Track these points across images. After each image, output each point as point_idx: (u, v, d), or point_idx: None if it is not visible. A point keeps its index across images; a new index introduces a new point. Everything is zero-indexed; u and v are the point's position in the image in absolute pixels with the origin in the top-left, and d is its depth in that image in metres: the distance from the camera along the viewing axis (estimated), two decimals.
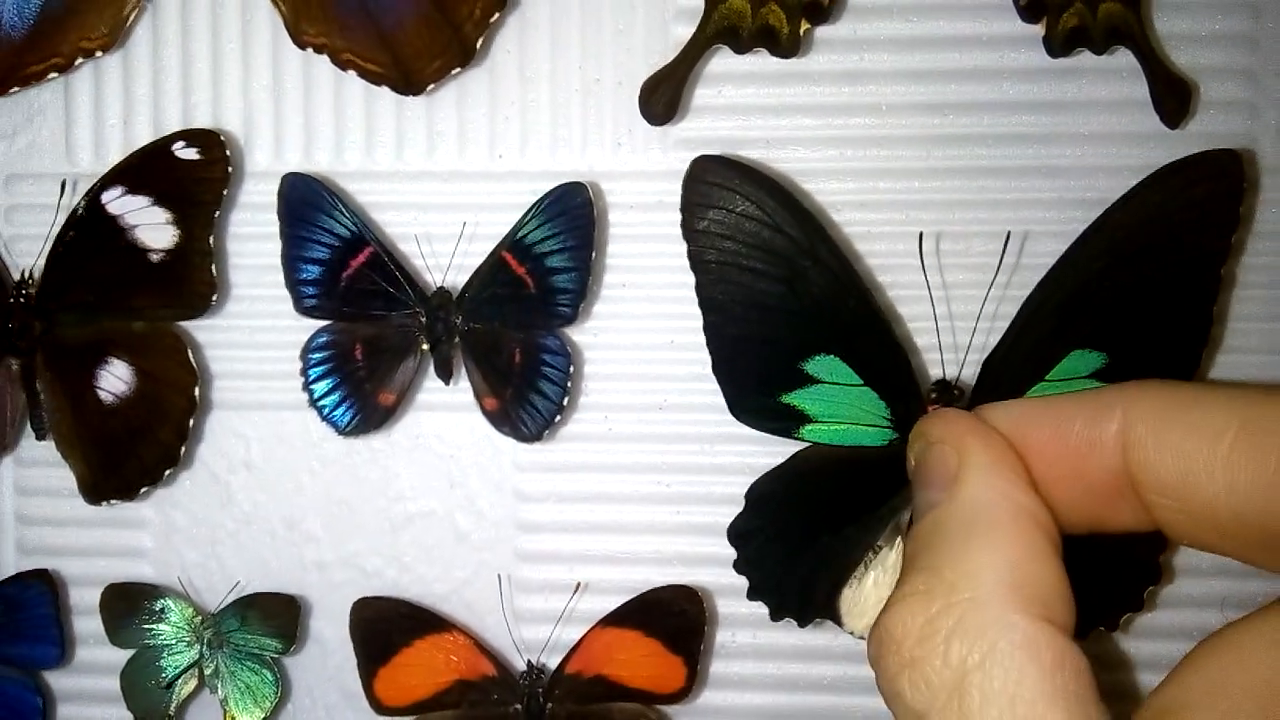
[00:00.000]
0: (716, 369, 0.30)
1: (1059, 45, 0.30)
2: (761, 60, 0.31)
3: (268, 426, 0.34)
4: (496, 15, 0.30)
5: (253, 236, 0.33)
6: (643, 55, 0.32)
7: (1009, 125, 0.32)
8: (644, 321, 0.33)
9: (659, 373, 0.33)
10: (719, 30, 0.30)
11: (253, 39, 0.33)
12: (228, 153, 0.31)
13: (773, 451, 0.31)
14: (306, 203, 0.31)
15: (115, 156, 0.33)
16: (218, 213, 0.32)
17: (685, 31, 0.31)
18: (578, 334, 0.33)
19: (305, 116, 0.33)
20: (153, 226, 0.31)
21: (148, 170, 0.31)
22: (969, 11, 0.32)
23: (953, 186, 0.32)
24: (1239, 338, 0.32)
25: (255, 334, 0.33)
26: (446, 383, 0.32)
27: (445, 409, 0.33)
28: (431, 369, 0.32)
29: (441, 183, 0.33)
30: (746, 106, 0.33)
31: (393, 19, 0.30)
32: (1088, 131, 0.32)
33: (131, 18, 0.31)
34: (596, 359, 0.33)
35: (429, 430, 0.34)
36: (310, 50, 0.31)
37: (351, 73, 0.31)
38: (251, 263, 0.33)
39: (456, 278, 0.32)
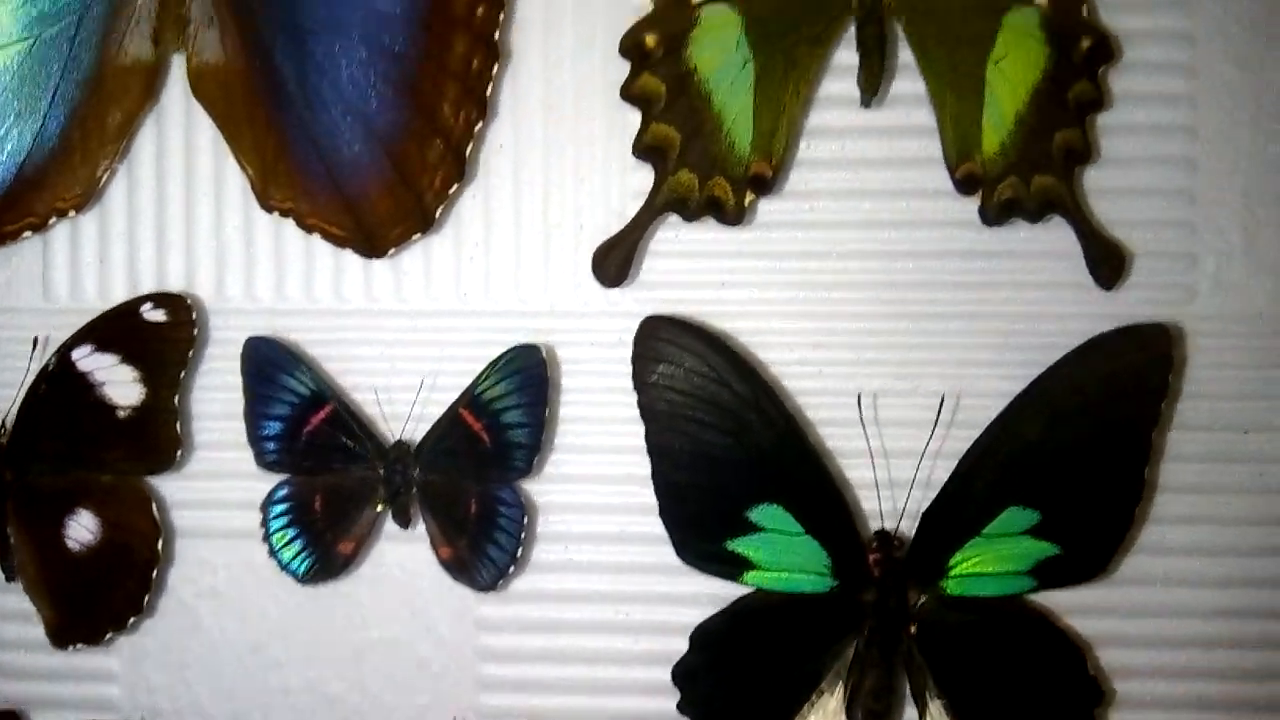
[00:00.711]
0: (664, 514, 0.31)
1: (994, 216, 0.31)
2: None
3: (235, 554, 0.35)
4: (455, 186, 0.32)
5: (223, 387, 0.34)
6: (602, 200, 0.34)
7: (950, 299, 0.33)
8: (602, 455, 0.34)
9: (617, 504, 0.34)
10: (668, 201, 0.32)
11: (224, 201, 0.34)
12: (194, 315, 0.32)
13: (729, 583, 0.32)
14: (269, 364, 0.32)
15: (91, 295, 0.34)
16: (183, 372, 0.33)
17: (642, 179, 0.33)
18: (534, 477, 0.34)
19: (276, 261, 0.35)
20: (120, 384, 0.32)
21: (116, 330, 0.32)
22: (911, 193, 0.33)
23: (893, 344, 0.33)
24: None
25: (218, 480, 0.34)
26: (404, 528, 0.33)
27: (407, 540, 0.34)
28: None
29: (409, 319, 0.34)
30: (699, 261, 0.34)
31: (357, 186, 0.32)
32: (1025, 296, 0.33)
33: (104, 179, 0.33)
34: (555, 490, 0.34)
35: (391, 560, 0.35)
36: (277, 214, 0.32)
37: (316, 235, 0.32)
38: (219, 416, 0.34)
39: (416, 428, 0.33)
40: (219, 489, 0.34)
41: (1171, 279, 0.33)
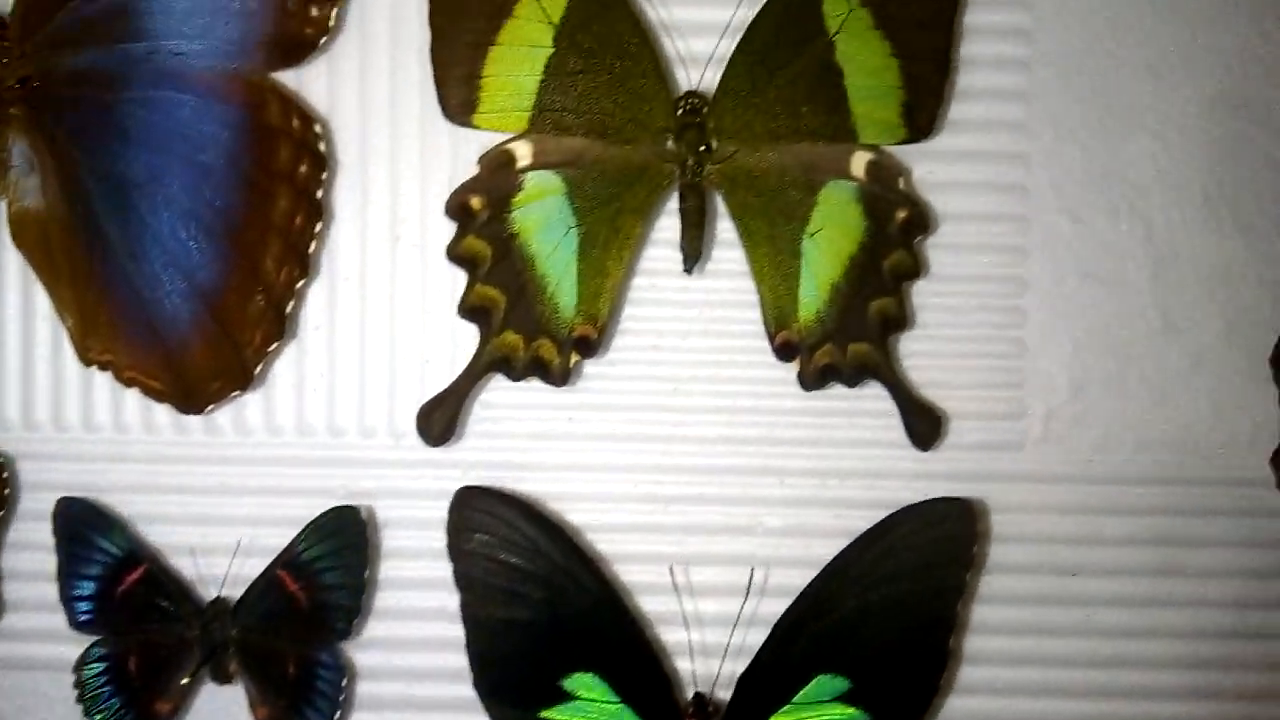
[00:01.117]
0: (477, 685, 0.31)
1: (811, 382, 0.32)
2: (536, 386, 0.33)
3: (51, 716, 0.34)
4: (276, 344, 0.32)
5: (34, 546, 0.33)
6: (422, 357, 0.34)
7: (767, 464, 0.34)
8: (424, 620, 0.33)
9: (438, 669, 0.33)
10: (493, 361, 0.32)
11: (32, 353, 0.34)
12: (5, 474, 0.32)
13: None
14: (81, 524, 0.31)
15: None
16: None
17: (467, 338, 0.32)
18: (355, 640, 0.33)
19: (82, 412, 0.34)
20: None
21: None
22: (732, 360, 0.34)
23: (710, 509, 0.34)
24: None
25: (30, 642, 0.33)
26: (223, 684, 0.32)
27: (227, 698, 0.33)
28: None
29: (225, 468, 0.34)
30: (523, 422, 0.34)
31: (177, 339, 0.31)
32: (843, 457, 0.34)
33: None
34: (376, 653, 0.34)
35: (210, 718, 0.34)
36: (95, 367, 0.32)
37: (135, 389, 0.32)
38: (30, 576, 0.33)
39: (235, 586, 0.33)
40: (32, 650, 0.33)
41: (998, 433, 0.34)
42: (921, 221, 0.32)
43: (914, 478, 0.33)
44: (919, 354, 0.34)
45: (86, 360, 0.32)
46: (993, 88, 0.34)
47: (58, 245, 0.31)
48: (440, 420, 0.32)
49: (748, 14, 0.32)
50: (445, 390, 0.32)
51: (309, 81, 0.33)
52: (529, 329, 0.32)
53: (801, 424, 0.34)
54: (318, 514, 0.32)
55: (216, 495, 0.34)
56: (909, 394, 0.33)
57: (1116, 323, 0.34)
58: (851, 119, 0.31)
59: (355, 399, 0.34)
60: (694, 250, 0.32)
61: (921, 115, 0.32)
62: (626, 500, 0.34)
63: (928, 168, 0.33)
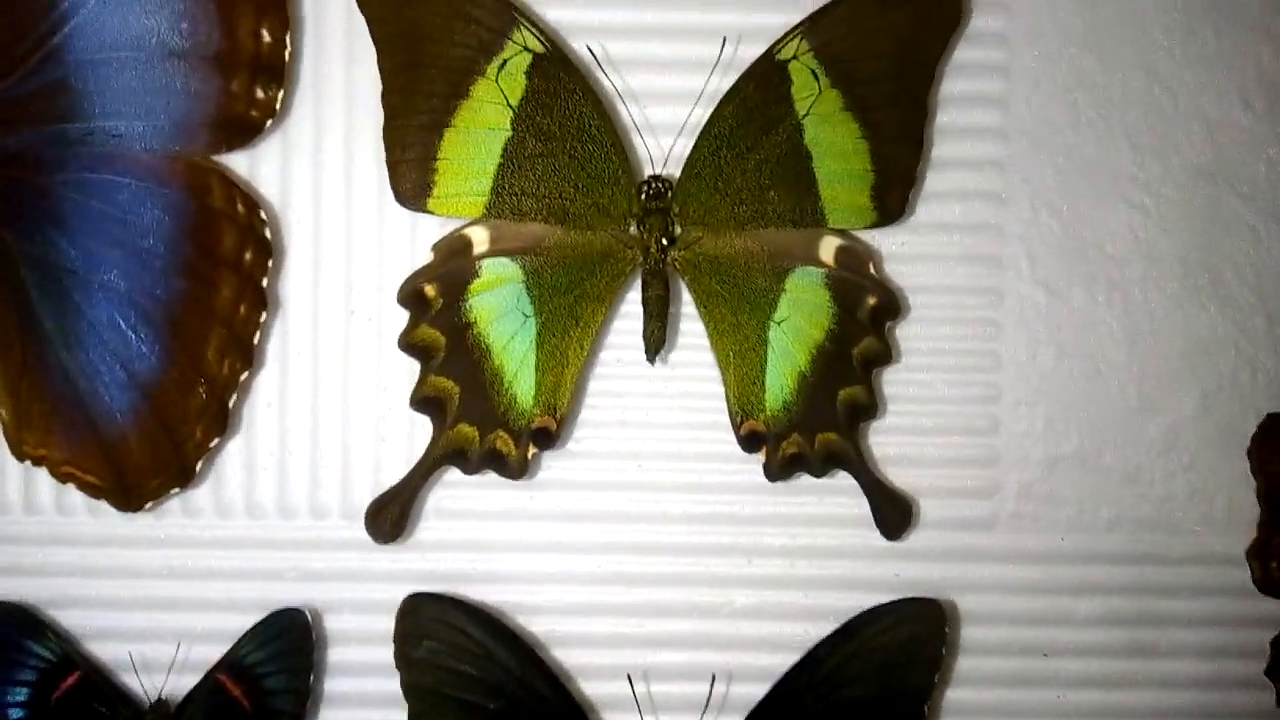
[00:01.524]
0: None
1: (778, 471, 0.31)
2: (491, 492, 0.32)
3: None
4: (217, 440, 0.30)
5: None
6: (374, 452, 0.32)
7: (730, 565, 0.33)
8: None
9: None
10: (446, 453, 0.31)
11: None
12: None
13: None
14: (12, 628, 0.30)
15: None
16: None
17: (420, 430, 0.31)
18: None
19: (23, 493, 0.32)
20: None
21: None
22: (695, 453, 0.33)
23: (664, 622, 0.33)
24: None
25: None
26: None
27: None
28: None
29: (168, 568, 0.32)
30: (477, 519, 0.33)
31: (115, 433, 0.30)
32: (809, 551, 0.33)
33: None
34: None
35: None
36: (29, 462, 0.30)
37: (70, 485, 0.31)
38: None
39: (177, 687, 0.31)
40: None
41: (970, 510, 0.33)
42: (892, 307, 0.31)
43: (883, 556, 0.33)
44: (888, 429, 0.33)
45: (20, 455, 0.30)
46: (966, 157, 0.33)
47: None
48: (391, 517, 0.31)
49: (714, 97, 0.31)
50: (396, 486, 0.31)
51: (261, 163, 0.32)
52: (484, 421, 0.31)
53: (769, 502, 0.33)
54: (266, 600, 0.31)
55: (163, 579, 0.32)
56: (878, 484, 0.32)
57: (1091, 398, 0.33)
58: (820, 203, 0.30)
59: (307, 479, 0.33)
60: (656, 341, 0.31)
61: (893, 198, 0.31)
62: (589, 581, 0.33)
63: (900, 239, 0.33)
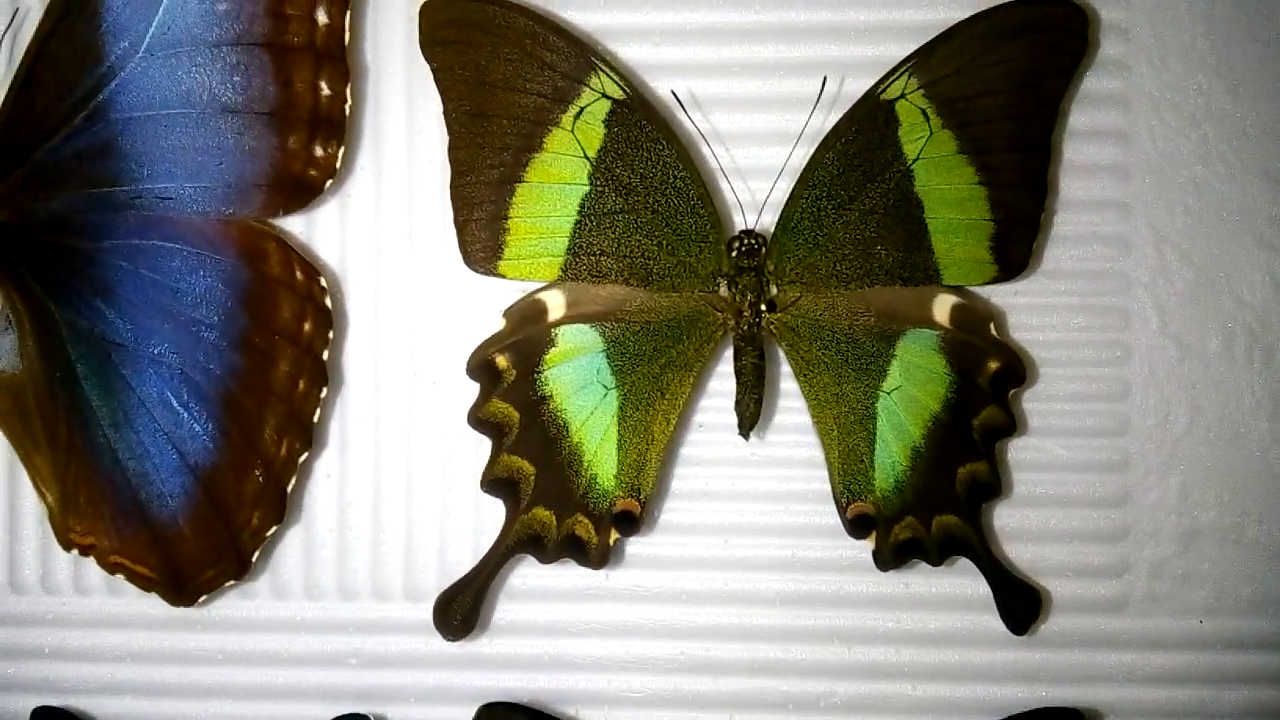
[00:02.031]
0: None
1: (890, 560, 0.28)
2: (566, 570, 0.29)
3: None
4: (274, 528, 0.28)
5: None
6: (439, 540, 0.30)
7: (843, 654, 0.30)
8: None
9: None
10: (521, 540, 0.28)
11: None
12: None
13: None
14: None
15: None
16: None
17: (493, 517, 0.29)
18: None
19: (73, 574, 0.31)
20: None
21: None
22: (796, 530, 0.30)
23: (756, 715, 0.30)
24: None
25: None
26: None
27: None
28: None
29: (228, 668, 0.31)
30: (554, 607, 0.30)
31: (168, 519, 0.28)
32: (928, 647, 0.30)
33: None
34: None
35: None
36: (76, 552, 0.28)
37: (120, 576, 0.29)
38: None
39: None
40: None
41: (1098, 590, 0.30)
42: (1017, 373, 0.28)
43: (1001, 643, 0.30)
44: (1003, 502, 0.30)
45: (67, 544, 0.28)
46: (1084, 198, 0.30)
47: (35, 412, 0.28)
48: (460, 610, 0.28)
49: (813, 140, 0.28)
50: (466, 577, 0.29)
51: (319, 226, 0.30)
52: (562, 504, 0.28)
53: (872, 582, 0.30)
54: (326, 687, 0.29)
55: (217, 665, 0.30)
56: (1004, 573, 0.29)
57: (1230, 464, 0.30)
58: (934, 258, 0.27)
59: (368, 558, 0.30)
60: (751, 415, 0.28)
61: (1014, 250, 0.28)
62: (672, 669, 0.30)
63: (1012, 290, 0.29)
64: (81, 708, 0.31)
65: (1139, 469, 0.30)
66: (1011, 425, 0.28)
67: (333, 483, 0.30)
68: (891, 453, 0.28)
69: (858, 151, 0.27)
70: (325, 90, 0.27)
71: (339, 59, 0.27)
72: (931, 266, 0.27)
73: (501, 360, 0.28)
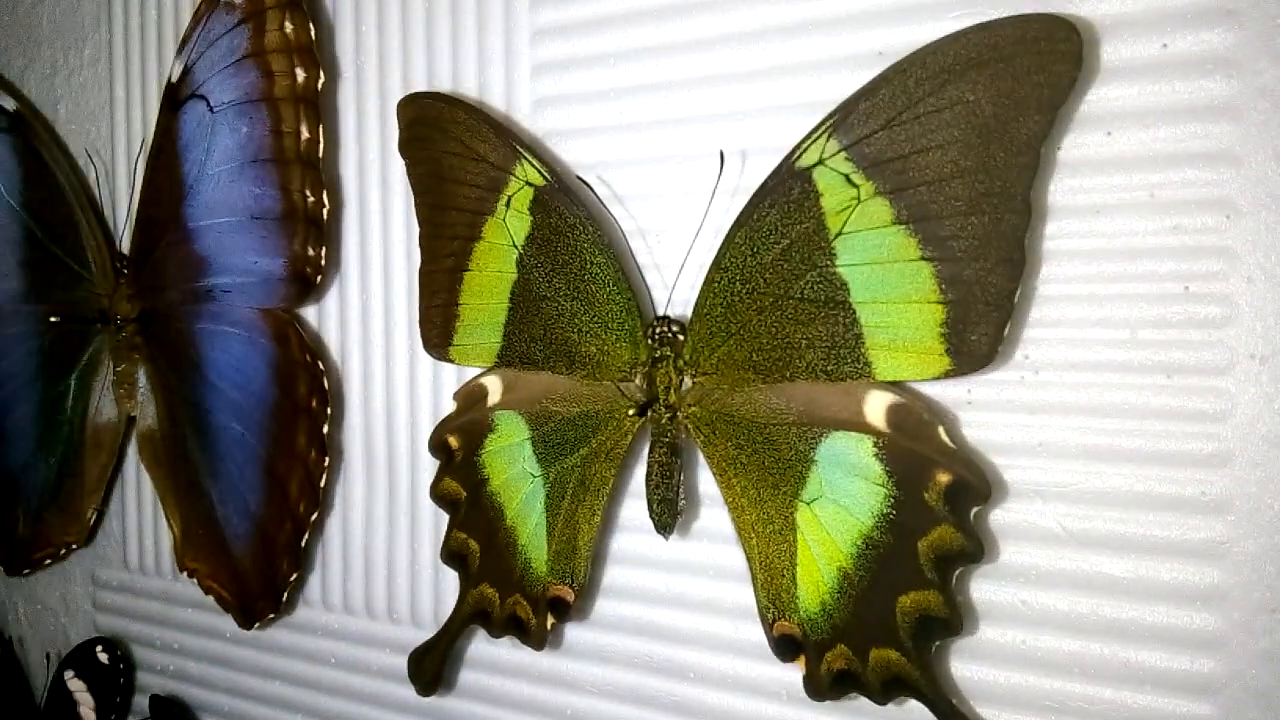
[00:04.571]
0: None
1: (823, 689, 0.24)
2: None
3: None
4: (296, 575, 0.32)
5: None
6: (411, 591, 0.32)
7: None
8: None
9: None
10: (473, 612, 0.29)
11: None
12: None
13: None
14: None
15: None
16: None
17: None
18: None
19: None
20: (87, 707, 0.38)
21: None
22: (724, 645, 0.27)
23: None
24: None
25: None
26: None
27: None
28: None
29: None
30: (506, 679, 0.31)
31: (239, 554, 0.34)
32: None
33: (92, 520, 0.39)
34: None
35: None
36: (185, 574, 0.35)
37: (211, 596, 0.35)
38: None
39: None
40: None
41: None
42: (975, 489, 0.22)
43: None
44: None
45: (181, 566, 0.35)
46: None
47: (164, 461, 0.35)
48: (430, 667, 0.30)
49: (726, 220, 0.25)
50: (433, 639, 0.30)
51: (326, 317, 0.33)
52: (503, 584, 0.28)
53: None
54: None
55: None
56: (958, 713, 0.23)
57: None
58: (862, 349, 0.22)
59: (362, 638, 0.32)
60: (659, 515, 0.25)
61: (977, 335, 0.21)
62: None
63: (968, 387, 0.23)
64: None
65: None
66: (973, 550, 0.22)
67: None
68: (814, 571, 0.23)
69: (771, 229, 0.23)
70: (310, 196, 0.30)
71: (313, 166, 0.30)
72: (860, 359, 0.22)
73: (453, 440, 0.28)
